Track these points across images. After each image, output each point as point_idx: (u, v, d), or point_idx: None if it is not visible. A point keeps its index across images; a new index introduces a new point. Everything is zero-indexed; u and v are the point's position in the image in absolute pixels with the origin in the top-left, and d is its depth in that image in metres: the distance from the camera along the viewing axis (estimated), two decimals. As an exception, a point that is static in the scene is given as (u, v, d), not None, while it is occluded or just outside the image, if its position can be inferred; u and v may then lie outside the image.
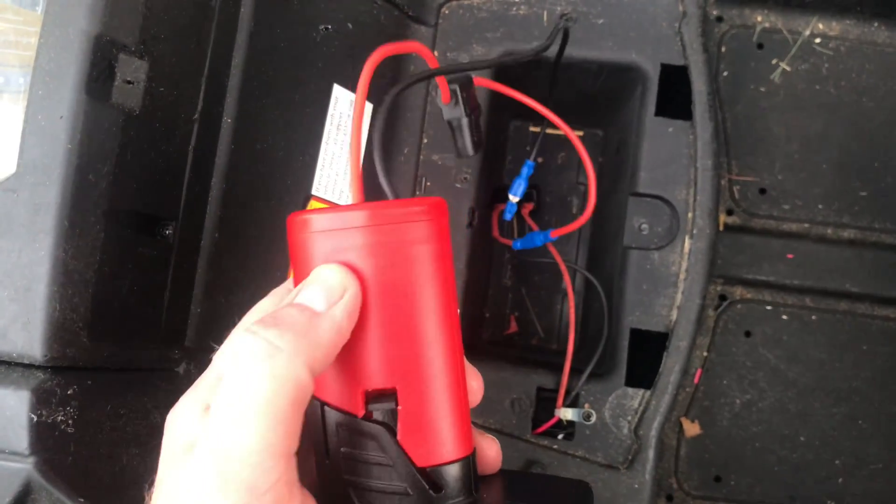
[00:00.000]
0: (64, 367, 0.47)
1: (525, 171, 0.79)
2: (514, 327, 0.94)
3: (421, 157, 0.77)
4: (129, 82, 0.48)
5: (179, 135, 0.54)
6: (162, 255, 0.54)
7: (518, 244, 0.86)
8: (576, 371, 0.75)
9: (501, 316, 0.94)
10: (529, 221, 0.91)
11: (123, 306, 0.50)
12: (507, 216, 0.86)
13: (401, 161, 0.77)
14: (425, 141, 0.78)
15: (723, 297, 0.90)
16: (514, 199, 0.81)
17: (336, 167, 0.70)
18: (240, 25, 0.58)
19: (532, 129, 0.96)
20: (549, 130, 0.96)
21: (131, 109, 0.49)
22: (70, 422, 0.47)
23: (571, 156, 0.95)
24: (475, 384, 0.36)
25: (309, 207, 0.67)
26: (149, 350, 0.53)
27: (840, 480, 0.87)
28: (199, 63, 0.55)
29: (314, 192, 0.68)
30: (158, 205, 0.53)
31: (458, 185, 0.78)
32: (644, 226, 0.77)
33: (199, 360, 0.57)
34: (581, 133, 0.96)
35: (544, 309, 0.94)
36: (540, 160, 0.96)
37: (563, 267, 0.85)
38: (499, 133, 0.92)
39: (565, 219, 0.95)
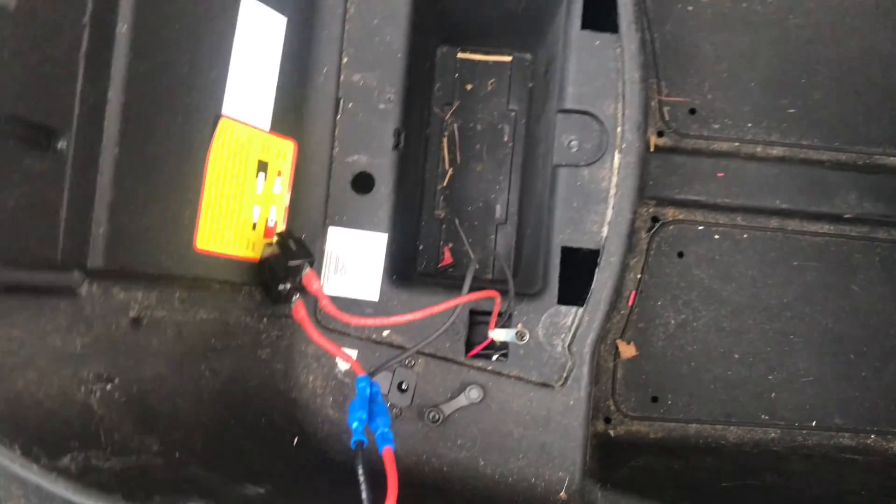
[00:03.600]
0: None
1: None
2: (448, 259, 0.93)
3: (341, 77, 0.74)
4: (0, -26, 0.44)
5: (67, 38, 0.50)
6: (56, 169, 0.50)
7: None
8: (507, 294, 0.74)
9: (435, 248, 0.92)
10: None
11: (11, 222, 0.47)
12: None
13: (319, 82, 0.74)
14: (345, 60, 0.74)
15: (655, 219, 0.90)
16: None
17: (249, 85, 0.66)
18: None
19: (460, 55, 0.94)
20: (477, 57, 0.94)
21: (4, 5, 0.45)
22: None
23: (501, 80, 0.93)
24: None
25: (221, 126, 0.63)
26: (44, 271, 0.49)
27: (773, 395, 0.88)
28: (86, -39, 0.51)
29: (225, 111, 0.64)
30: (47, 113, 0.49)
31: (382, 106, 0.75)
32: (573, 142, 0.75)
33: (105, 283, 0.53)
34: (509, 58, 0.93)
35: (478, 239, 0.93)
36: (469, 87, 0.94)
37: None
38: (425, 58, 0.89)
39: (497, 148, 0.93)
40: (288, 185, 0.71)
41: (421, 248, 0.92)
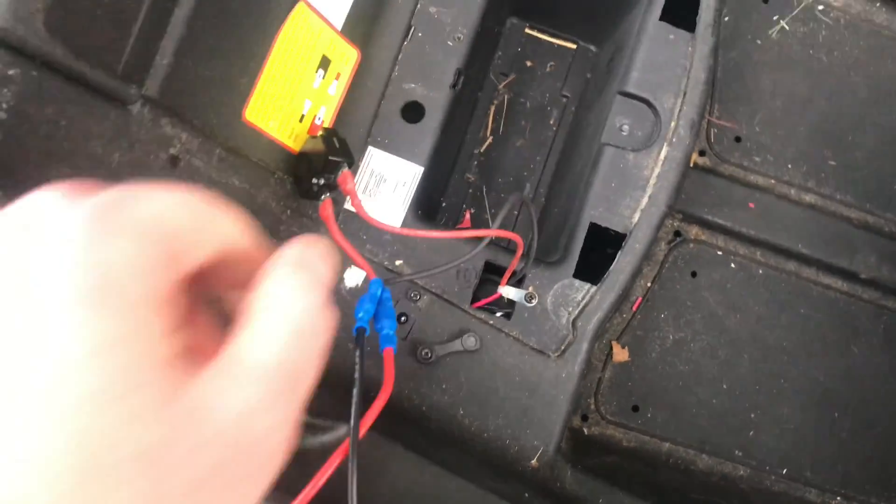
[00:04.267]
0: (10, 45, 0.42)
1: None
2: (467, 222, 0.92)
3: (418, 5, 0.74)
4: None
5: None
6: (139, -18, 0.50)
7: None
8: (528, 257, 0.74)
9: (457, 208, 0.92)
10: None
11: (89, 10, 0.46)
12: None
13: (397, 3, 0.74)
14: (426, -10, 0.75)
15: (677, 234, 0.90)
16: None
17: (333, -21, 0.66)
18: None
19: (528, 31, 0.94)
20: (544, 37, 0.95)
21: None
22: (3, 105, 0.42)
23: (561, 65, 0.94)
24: None
25: (297, 9, 0.63)
26: (105, 73, 0.49)
27: (751, 433, 0.88)
28: None
29: (306, -4, 0.64)
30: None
31: (451, 44, 0.75)
32: (626, 126, 0.76)
33: (156, 111, 0.53)
34: (574, 45, 0.94)
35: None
36: (529, 63, 0.94)
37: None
38: (495, 23, 0.89)
39: (541, 129, 0.93)
40: (343, 90, 0.71)
41: (444, 205, 0.91)
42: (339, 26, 0.68)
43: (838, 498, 0.88)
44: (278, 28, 0.63)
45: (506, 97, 0.94)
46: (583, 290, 0.73)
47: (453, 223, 0.92)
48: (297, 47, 0.65)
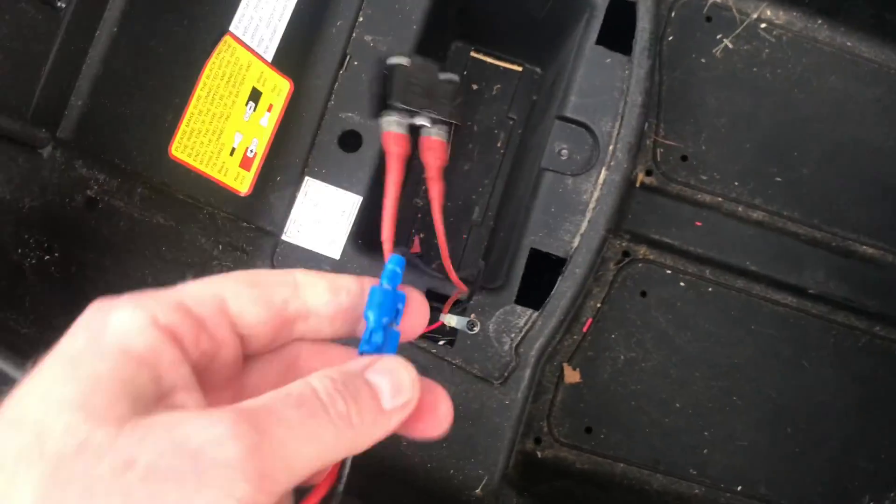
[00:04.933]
0: None
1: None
2: (416, 247, 0.92)
3: (353, 34, 0.74)
4: None
5: None
6: (48, 24, 0.49)
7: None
8: (470, 284, 0.73)
9: (406, 234, 0.92)
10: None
11: (-8, 59, 0.46)
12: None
13: (331, 33, 0.73)
14: (361, 19, 0.74)
15: (626, 254, 0.90)
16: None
17: (262, 11, 0.66)
18: None
19: (473, 54, 0.94)
20: (490, 59, 0.95)
21: None
22: None
23: (507, 87, 0.94)
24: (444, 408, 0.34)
25: (223, 42, 0.63)
26: (12, 118, 0.48)
27: (705, 451, 0.88)
28: None
29: (232, 29, 0.64)
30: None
31: (387, 73, 0.75)
32: (564, 151, 0.76)
33: (70, 153, 0.52)
34: (520, 68, 0.94)
35: (450, 236, 0.92)
36: (475, 86, 0.94)
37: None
38: (439, 47, 0.89)
39: (488, 152, 0.93)
40: (276, 122, 0.71)
41: (392, 230, 0.91)
42: (270, 58, 0.68)
43: (793, 514, 0.88)
44: (204, 62, 0.62)
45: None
46: (525, 315, 0.73)
47: (403, 247, 0.91)
48: (224, 81, 0.64)
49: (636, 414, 0.88)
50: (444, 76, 0.51)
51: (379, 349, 0.35)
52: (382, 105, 0.41)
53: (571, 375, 0.88)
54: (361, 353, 0.34)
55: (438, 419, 0.34)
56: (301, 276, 0.32)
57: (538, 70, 0.94)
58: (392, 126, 0.53)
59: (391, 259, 0.38)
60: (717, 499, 0.87)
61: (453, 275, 0.70)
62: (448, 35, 0.91)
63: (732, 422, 0.89)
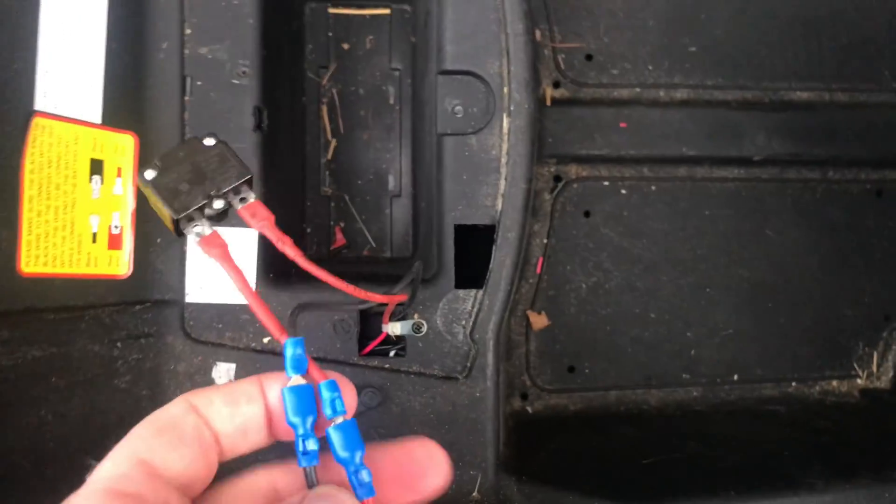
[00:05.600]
0: None
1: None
2: (340, 240, 0.85)
3: (185, 51, 0.64)
4: None
5: None
6: None
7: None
8: (397, 279, 0.67)
9: (325, 228, 0.84)
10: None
11: None
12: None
13: (159, 60, 0.63)
14: (188, 31, 0.64)
15: (557, 178, 0.83)
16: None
17: (67, 71, 0.56)
18: None
19: (331, 10, 0.84)
20: (352, 11, 0.85)
21: None
22: None
23: (380, 37, 0.84)
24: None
25: (34, 126, 0.53)
26: None
27: (693, 352, 0.85)
28: None
29: (39, 107, 0.54)
30: None
31: (237, 82, 0.65)
32: (458, 107, 0.68)
33: None
34: (388, 11, 0.84)
35: (372, 215, 0.85)
36: (346, 46, 0.84)
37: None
38: (290, 18, 0.79)
39: (383, 113, 0.85)
40: (132, 183, 0.62)
41: (309, 230, 0.84)
42: (99, 119, 0.58)
43: (794, 383, 0.86)
44: (20, 159, 0.53)
45: (334, 91, 0.84)
46: (469, 298, 0.67)
47: (325, 245, 0.84)
48: (53, 167, 0.55)
49: (614, 338, 0.84)
50: (206, 142, 0.40)
51: (316, 456, 0.32)
52: (174, 224, 0.34)
53: (538, 321, 0.83)
54: (302, 467, 0.31)
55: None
56: (194, 398, 0.31)
57: (407, 8, 0.84)
58: (195, 233, 0.40)
59: (286, 344, 0.34)
60: (717, 394, 0.85)
61: (385, 297, 0.62)
62: (297, 1, 0.81)
63: (712, 314, 0.85)
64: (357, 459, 0.32)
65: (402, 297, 0.62)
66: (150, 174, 0.38)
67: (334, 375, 0.33)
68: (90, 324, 0.57)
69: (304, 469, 0.32)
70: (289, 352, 0.34)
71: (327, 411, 0.33)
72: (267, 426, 0.32)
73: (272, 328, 0.35)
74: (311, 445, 0.32)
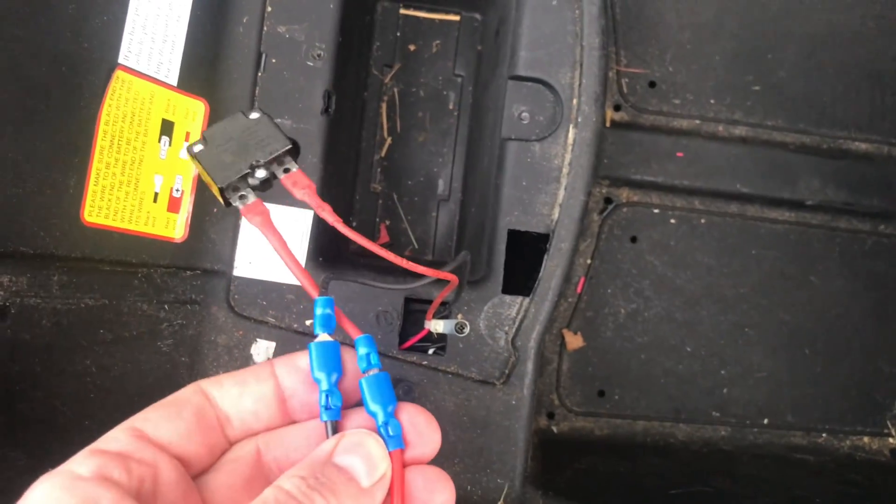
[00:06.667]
0: None
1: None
2: (384, 237, 0.85)
3: (264, 28, 0.65)
4: None
5: None
6: None
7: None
8: (461, 286, 0.66)
9: (370, 224, 0.84)
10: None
11: None
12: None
13: (238, 34, 0.64)
14: (269, 9, 0.65)
15: (608, 200, 0.83)
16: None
17: (152, 31, 0.57)
18: None
19: (403, 11, 0.85)
20: (422, 14, 0.85)
21: None
22: None
23: (447, 42, 0.85)
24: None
25: (115, 79, 0.54)
26: None
27: (725, 391, 0.84)
28: None
29: (122, 61, 0.55)
30: None
31: (311, 64, 0.66)
32: (524, 114, 0.68)
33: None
34: (457, 17, 0.85)
35: (418, 216, 0.85)
36: (412, 48, 0.85)
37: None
38: (363, 13, 0.80)
39: (441, 117, 0.85)
40: (198, 150, 0.62)
41: (355, 224, 0.84)
42: (175, 82, 0.59)
43: (824, 434, 0.85)
44: (98, 109, 0.53)
45: (395, 91, 0.85)
46: (515, 305, 0.66)
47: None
48: (127, 122, 0.55)
49: (648, 367, 0.83)
50: (251, 116, 0.39)
51: (339, 413, 0.33)
52: (221, 194, 0.35)
53: (573, 341, 0.82)
54: (324, 422, 0.32)
55: None
56: (204, 382, 0.32)
57: (477, 16, 0.84)
58: (240, 201, 0.40)
59: (316, 303, 0.35)
60: (745, 436, 0.83)
61: (432, 271, 0.61)
62: (371, -2, 0.82)
63: (748, 355, 0.84)
64: (388, 411, 0.33)
65: (449, 276, 0.61)
66: (197, 147, 0.39)
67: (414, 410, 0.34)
68: (142, 281, 0.57)
69: (325, 423, 0.32)
70: (318, 310, 0.35)
71: (362, 365, 0.34)
72: (279, 405, 0.33)
73: (307, 285, 0.35)
74: (335, 401, 0.33)
